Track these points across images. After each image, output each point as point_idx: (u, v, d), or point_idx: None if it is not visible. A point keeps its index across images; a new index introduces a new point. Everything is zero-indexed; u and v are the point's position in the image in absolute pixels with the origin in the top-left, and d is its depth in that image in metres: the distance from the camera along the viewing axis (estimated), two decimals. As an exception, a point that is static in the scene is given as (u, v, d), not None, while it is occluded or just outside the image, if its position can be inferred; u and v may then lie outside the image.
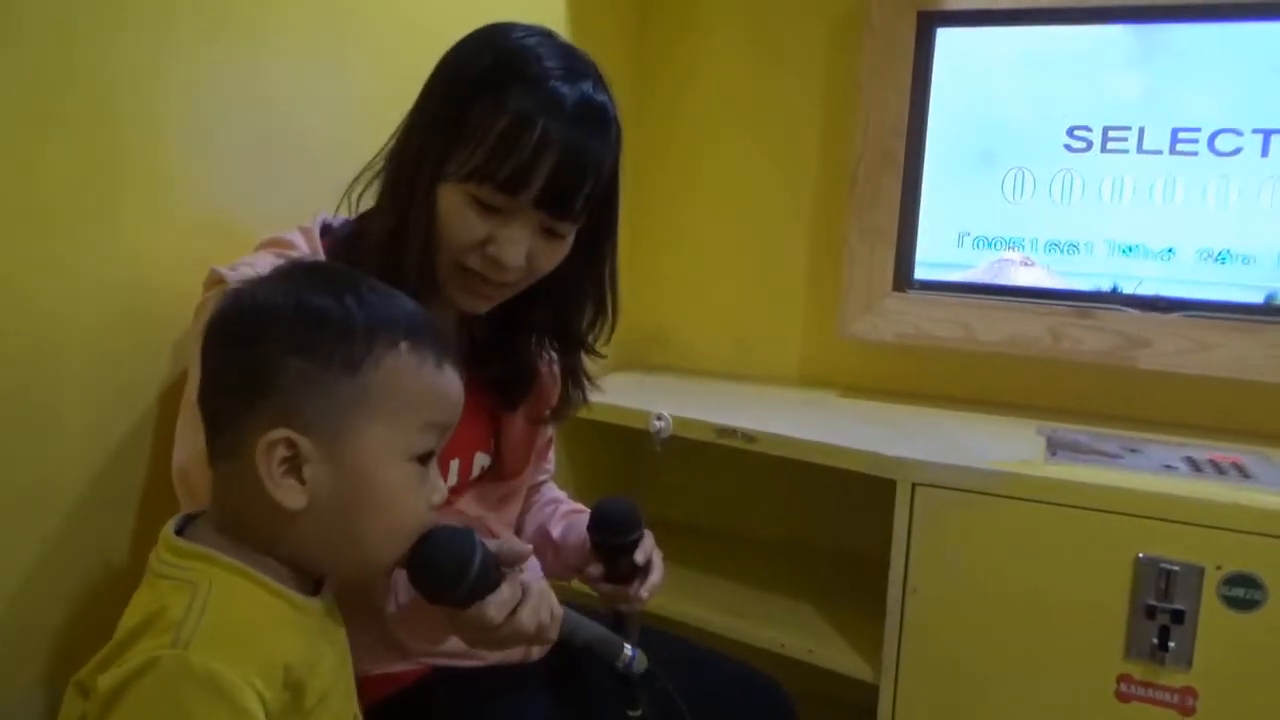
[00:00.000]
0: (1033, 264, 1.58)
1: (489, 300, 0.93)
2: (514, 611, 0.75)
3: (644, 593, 1.00)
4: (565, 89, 0.85)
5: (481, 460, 1.03)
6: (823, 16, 1.70)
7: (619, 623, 1.01)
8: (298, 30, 1.09)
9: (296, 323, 0.66)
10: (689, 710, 0.94)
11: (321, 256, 0.90)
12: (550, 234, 0.89)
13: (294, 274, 0.70)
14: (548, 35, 0.90)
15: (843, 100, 1.68)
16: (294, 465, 0.64)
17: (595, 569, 1.01)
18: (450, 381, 0.70)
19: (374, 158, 0.94)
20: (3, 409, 0.80)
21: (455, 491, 1.01)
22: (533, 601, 0.77)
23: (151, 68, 0.91)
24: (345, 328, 0.66)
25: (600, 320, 1.02)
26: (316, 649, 0.67)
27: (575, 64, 0.88)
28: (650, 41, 1.84)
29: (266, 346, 0.65)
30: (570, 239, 0.92)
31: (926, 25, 1.58)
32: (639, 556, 1.00)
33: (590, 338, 1.02)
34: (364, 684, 0.85)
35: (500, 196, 0.85)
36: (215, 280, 0.83)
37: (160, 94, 0.92)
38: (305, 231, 0.92)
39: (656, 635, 1.10)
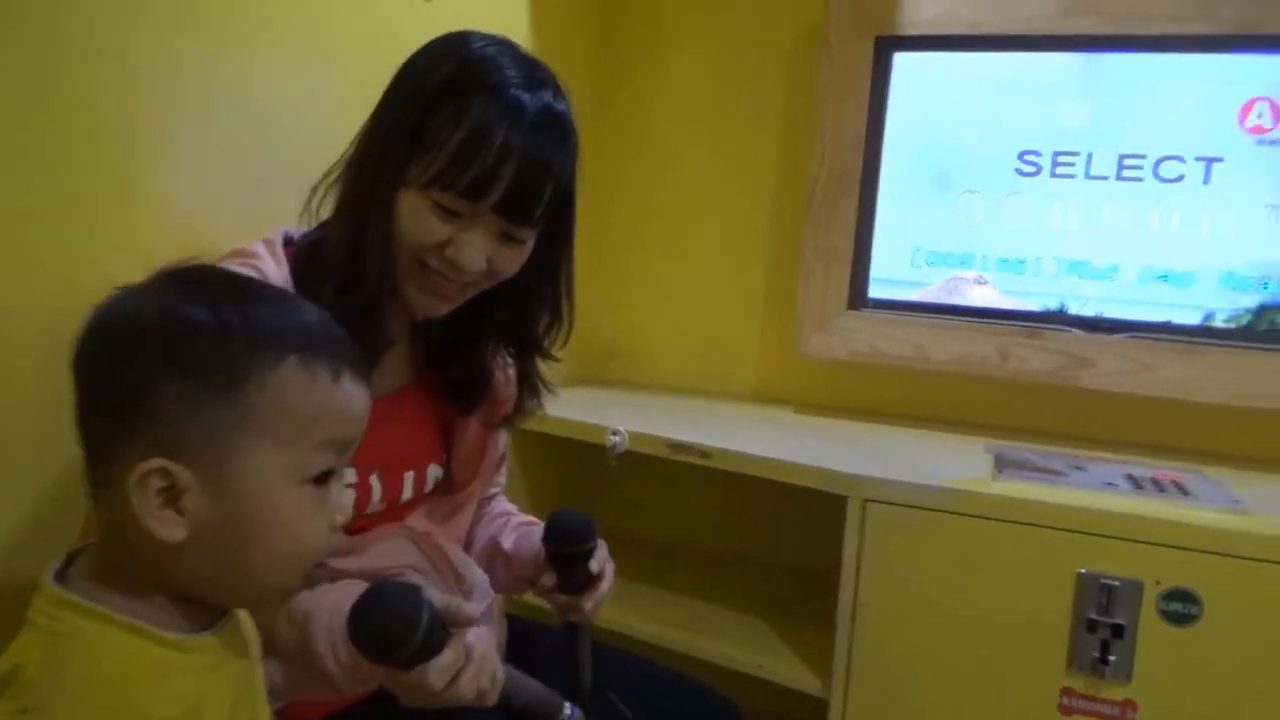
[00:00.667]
0: (986, 282, 1.61)
1: (448, 301, 0.93)
2: (456, 677, 0.74)
3: (587, 603, 1.01)
4: (526, 98, 0.86)
5: (435, 472, 1.03)
6: (783, 37, 1.73)
7: (573, 637, 1.01)
8: (282, 35, 1.10)
9: (169, 339, 0.60)
10: None
11: (284, 267, 0.90)
12: (509, 239, 0.90)
13: (169, 282, 0.63)
14: (508, 45, 0.91)
15: (801, 120, 1.70)
16: (172, 495, 0.59)
17: (549, 579, 1.02)
18: (348, 395, 0.65)
19: (332, 166, 0.94)
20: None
21: (409, 506, 1.01)
22: (474, 667, 0.75)
23: (128, 66, 0.91)
24: (223, 343, 0.60)
25: (556, 325, 1.03)
26: (207, 687, 0.62)
27: (535, 73, 0.89)
28: (613, 59, 1.86)
29: (137, 366, 0.59)
30: (530, 243, 0.93)
31: (883, 49, 1.61)
32: (593, 566, 1.01)
33: (546, 342, 1.03)
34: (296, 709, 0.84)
35: (461, 202, 0.86)
36: None
37: (136, 95, 0.92)
38: (268, 243, 0.92)
39: (609, 651, 1.11)
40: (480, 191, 0.85)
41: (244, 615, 0.69)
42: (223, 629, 0.65)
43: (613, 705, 0.98)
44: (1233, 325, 1.47)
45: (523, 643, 1.08)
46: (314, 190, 0.95)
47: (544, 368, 1.06)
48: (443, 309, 0.94)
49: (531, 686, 0.83)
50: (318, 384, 0.63)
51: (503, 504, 1.18)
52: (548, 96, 0.88)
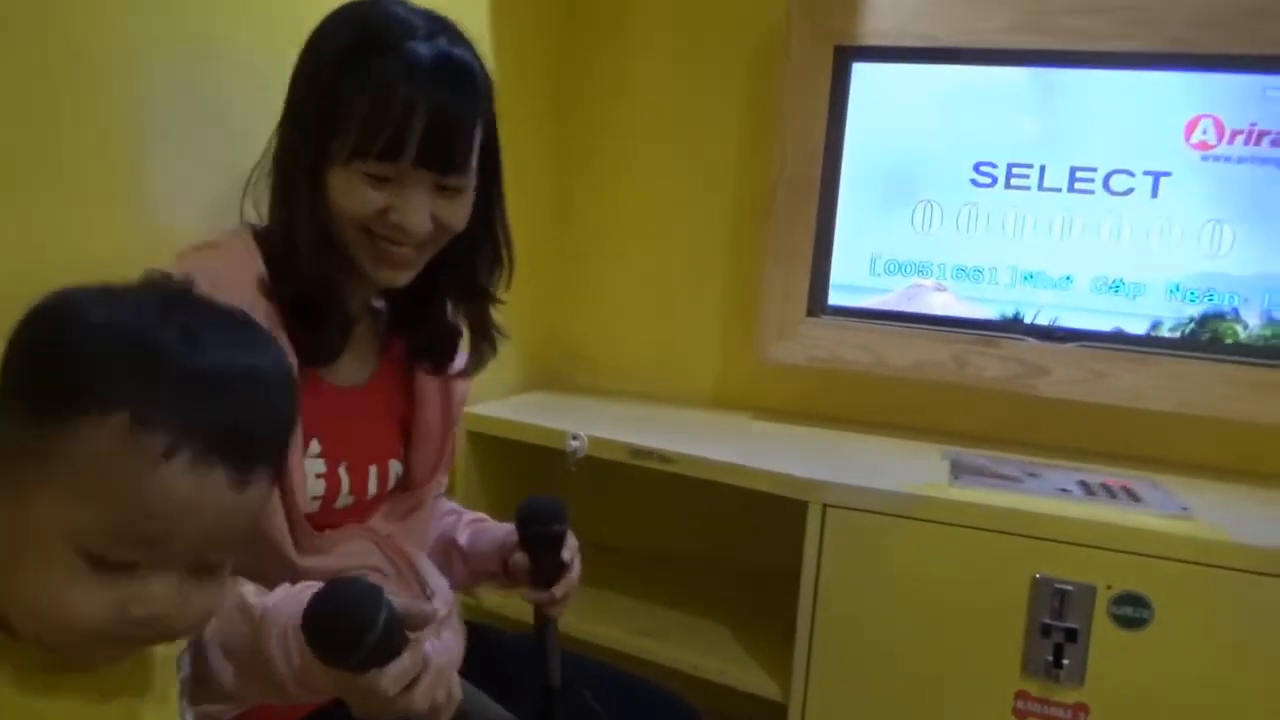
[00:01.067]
0: (945, 289, 1.63)
1: (406, 267, 0.94)
2: (410, 685, 0.69)
3: (559, 591, 1.02)
4: (423, 49, 0.87)
5: (395, 468, 1.03)
6: (745, 44, 1.74)
7: (543, 632, 1.01)
8: (251, 34, 1.08)
9: (31, 349, 0.54)
10: None
11: (256, 256, 0.90)
12: (445, 190, 0.91)
13: (103, 291, 0.57)
14: (401, 2, 0.91)
15: (762, 126, 1.71)
16: None
17: (520, 558, 1.04)
18: (171, 483, 0.53)
19: (261, 158, 0.94)
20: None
21: (372, 504, 1.00)
22: (431, 678, 0.71)
23: (87, 61, 0.90)
24: (50, 360, 0.54)
25: (498, 268, 1.03)
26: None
27: (429, 24, 0.90)
28: (574, 62, 1.85)
29: (4, 368, 0.55)
30: (469, 191, 0.94)
31: (842, 59, 1.63)
32: (565, 554, 1.03)
33: (491, 287, 1.04)
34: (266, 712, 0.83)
35: (383, 166, 0.87)
36: None
37: (97, 88, 0.91)
38: (238, 233, 0.92)
39: (571, 657, 1.11)
40: (396, 150, 0.86)
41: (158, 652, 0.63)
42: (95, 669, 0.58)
43: (583, 701, 0.98)
44: (1178, 334, 1.51)
45: (482, 647, 1.07)
46: (246, 185, 0.96)
47: (494, 312, 1.07)
48: (404, 277, 0.94)
49: (491, 708, 0.81)
50: (137, 461, 0.52)
51: (448, 503, 1.18)
52: (443, 43, 0.89)
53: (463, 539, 1.12)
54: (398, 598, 0.70)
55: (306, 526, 0.90)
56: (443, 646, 0.82)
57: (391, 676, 0.67)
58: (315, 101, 0.88)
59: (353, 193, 0.88)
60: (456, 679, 0.77)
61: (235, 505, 0.56)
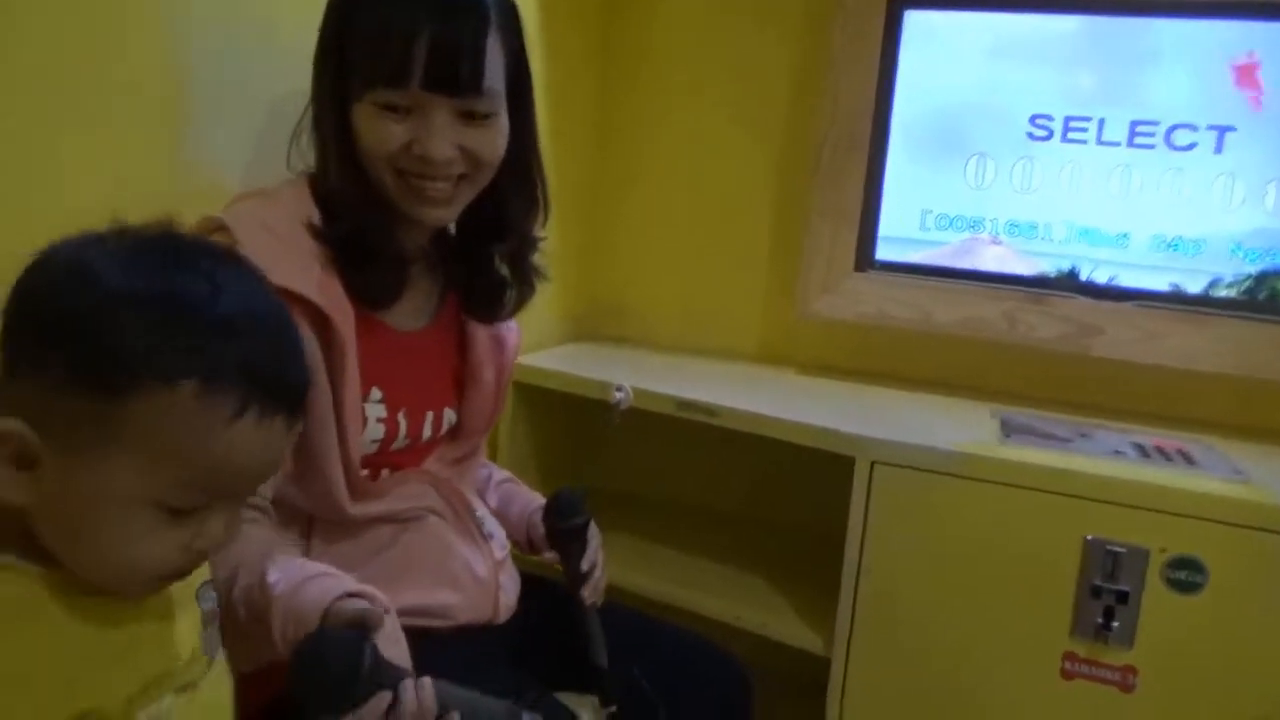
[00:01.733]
0: (1001, 242, 1.60)
1: (446, 204, 0.94)
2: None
3: (587, 596, 1.03)
4: None
5: (449, 417, 1.04)
6: (796, -9, 1.70)
7: (582, 621, 1.03)
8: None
9: (77, 315, 0.55)
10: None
11: (307, 202, 0.90)
12: (470, 118, 0.90)
13: (130, 244, 0.58)
14: None
15: (812, 76, 1.67)
16: (24, 460, 0.55)
17: (551, 555, 1.06)
18: (241, 441, 0.57)
19: (308, 104, 0.95)
20: None
21: (427, 447, 1.01)
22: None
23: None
24: (117, 338, 0.54)
25: (533, 209, 1.03)
26: (130, 637, 0.60)
27: None
28: (618, 10, 1.82)
29: (27, 327, 0.56)
30: (502, 122, 0.94)
31: (895, 6, 1.59)
32: (583, 564, 1.04)
33: (526, 226, 1.03)
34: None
35: (394, 93, 0.87)
36: (217, 226, 0.84)
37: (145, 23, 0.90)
38: (292, 181, 0.93)
39: (615, 609, 1.12)
40: (402, 73, 0.86)
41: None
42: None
43: (634, 679, 0.99)
44: (1233, 293, 1.47)
45: (537, 595, 1.09)
46: (294, 132, 0.96)
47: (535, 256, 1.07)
48: (445, 214, 0.95)
49: (487, 707, 0.77)
50: (207, 421, 0.56)
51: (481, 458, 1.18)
52: None
53: (492, 502, 1.12)
54: (376, 649, 0.70)
55: (362, 476, 0.91)
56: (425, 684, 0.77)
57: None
58: (333, 38, 0.89)
59: (375, 128, 0.88)
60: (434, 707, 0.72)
61: (288, 444, 0.62)
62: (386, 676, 0.70)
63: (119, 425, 0.54)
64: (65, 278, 0.56)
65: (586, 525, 1.05)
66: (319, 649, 0.69)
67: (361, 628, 0.71)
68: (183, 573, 0.61)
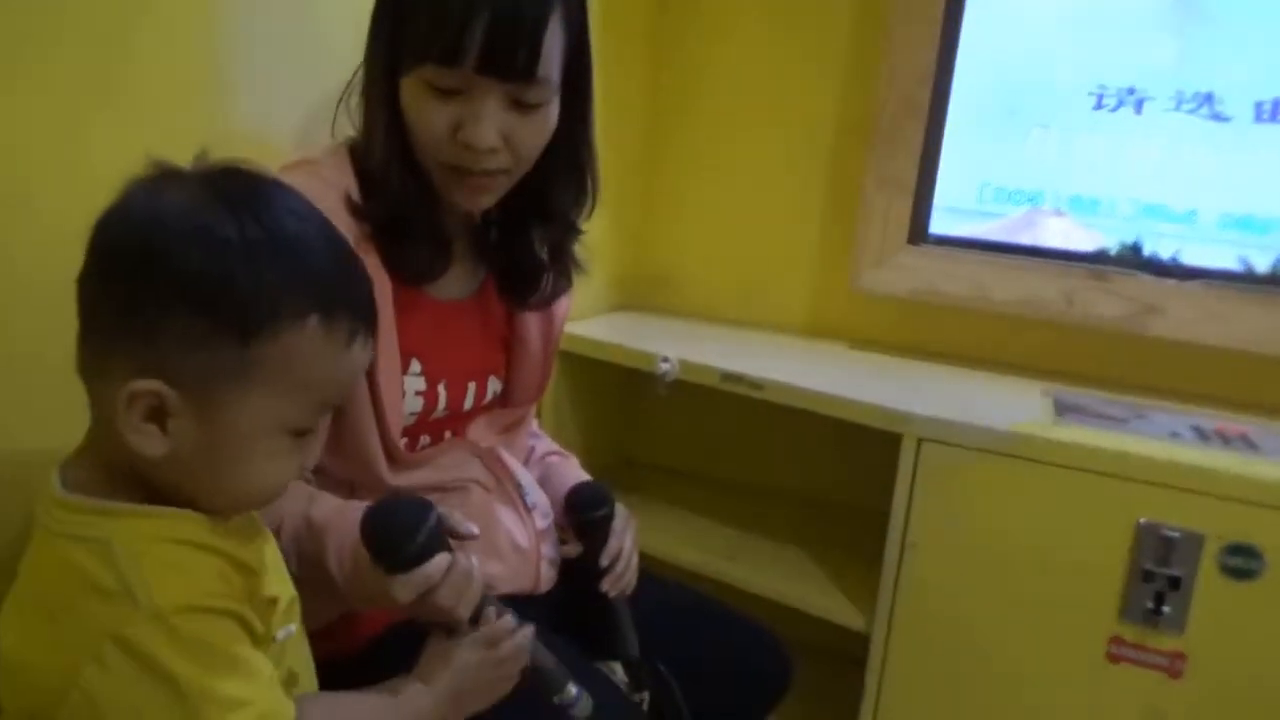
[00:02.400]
0: (1064, 215, 1.56)
1: (486, 192, 0.91)
2: (429, 591, 0.74)
3: (610, 590, 1.01)
4: None
5: (494, 385, 1.03)
6: (856, -43, 1.66)
7: (610, 612, 1.02)
8: None
9: (191, 268, 0.57)
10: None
11: (349, 174, 0.89)
12: (520, 106, 0.87)
13: (213, 190, 0.60)
14: None
15: (870, 45, 1.63)
16: (159, 414, 0.58)
17: (574, 548, 1.04)
18: (356, 362, 0.65)
19: (357, 69, 0.93)
20: None
21: (469, 415, 1.01)
22: (451, 583, 0.75)
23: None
24: (248, 290, 0.58)
25: (581, 198, 1.00)
26: (258, 557, 0.66)
27: None
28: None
29: (150, 288, 0.57)
30: (551, 112, 0.90)
31: (959, -31, 1.54)
32: (603, 559, 1.01)
33: (573, 217, 1.01)
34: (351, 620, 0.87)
35: (445, 73, 0.83)
36: None
37: None
38: (334, 150, 0.91)
39: (655, 582, 1.11)
40: (456, 51, 0.82)
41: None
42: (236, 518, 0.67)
43: (661, 674, 0.99)
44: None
45: (577, 564, 1.08)
46: (341, 97, 0.94)
47: (577, 246, 1.05)
48: (483, 201, 0.92)
49: (545, 653, 0.81)
50: (331, 348, 0.62)
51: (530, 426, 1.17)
52: None
53: (535, 474, 1.11)
54: (445, 511, 0.77)
55: (401, 446, 0.91)
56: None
57: (403, 584, 0.73)
58: (389, 8, 0.86)
59: (421, 107, 0.85)
60: (479, 588, 0.77)
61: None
62: (447, 544, 0.75)
63: (257, 366, 0.59)
64: (179, 235, 0.58)
65: (608, 519, 1.03)
66: (389, 503, 0.75)
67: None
68: (283, 491, 0.67)
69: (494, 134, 0.86)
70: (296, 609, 0.71)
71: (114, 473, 0.62)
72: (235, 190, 0.61)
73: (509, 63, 0.83)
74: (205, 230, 0.58)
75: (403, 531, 0.72)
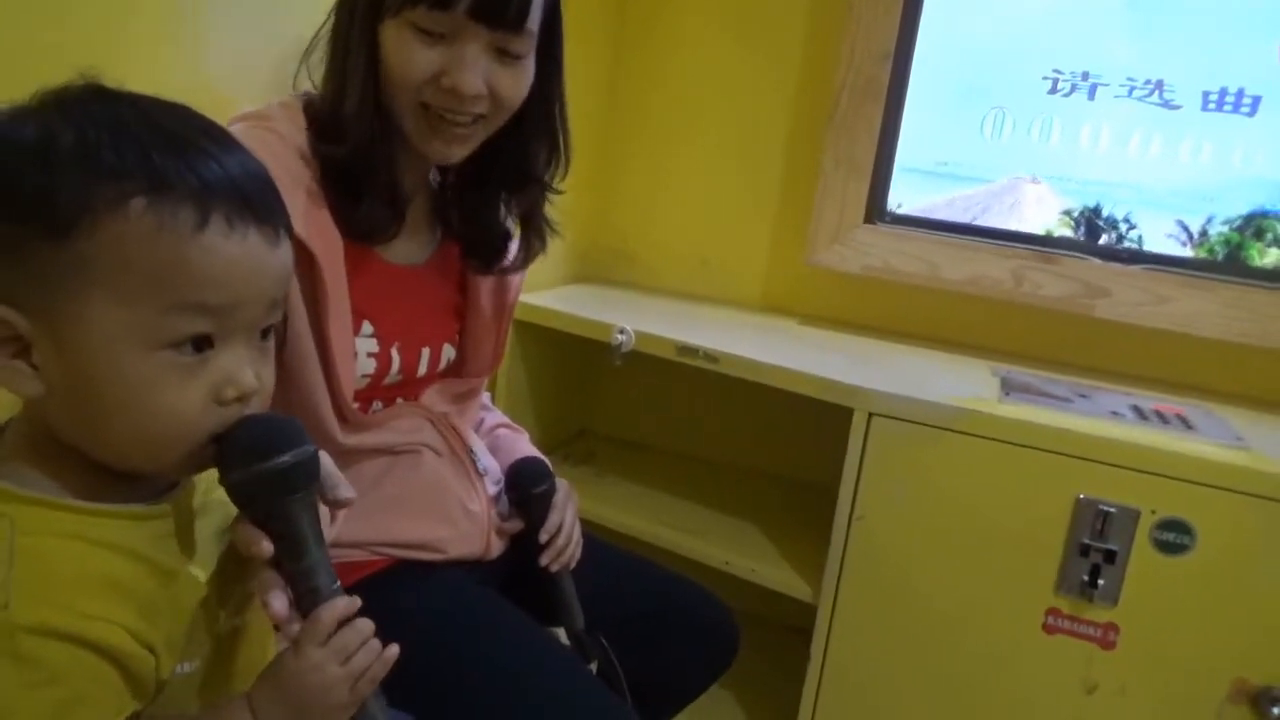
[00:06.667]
0: (1040, 183, 1.58)
1: (461, 142, 0.91)
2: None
3: (553, 565, 1.02)
4: None
5: (449, 353, 1.03)
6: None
7: (556, 588, 1.03)
8: None
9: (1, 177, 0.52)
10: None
11: (302, 128, 0.87)
12: (504, 55, 0.87)
13: (49, 102, 0.54)
14: None
15: (830, 23, 1.64)
16: (21, 346, 0.53)
17: (514, 524, 1.03)
18: (213, 249, 0.53)
19: (323, 23, 0.91)
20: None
21: (424, 382, 1.01)
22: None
23: None
24: (46, 176, 0.51)
25: (555, 158, 1.00)
26: (172, 558, 0.59)
27: None
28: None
29: None
30: (530, 63, 0.90)
31: (920, -50, 1.55)
32: (542, 534, 1.02)
33: (546, 177, 1.01)
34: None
35: (437, 15, 0.83)
36: None
37: None
38: (285, 105, 0.89)
39: (604, 549, 1.12)
40: None
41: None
42: (174, 497, 0.60)
43: (602, 647, 1.00)
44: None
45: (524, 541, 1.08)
46: (305, 52, 0.93)
47: (548, 207, 1.04)
48: (457, 152, 0.92)
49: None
50: (169, 234, 0.52)
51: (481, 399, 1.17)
52: None
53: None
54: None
55: (352, 407, 0.91)
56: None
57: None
58: None
59: (405, 51, 0.84)
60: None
61: (278, 262, 0.57)
62: (313, 491, 0.61)
63: (85, 266, 0.52)
64: None
65: (548, 495, 1.04)
66: (280, 416, 0.61)
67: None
68: (209, 432, 0.57)
69: (480, 81, 0.86)
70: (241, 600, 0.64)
71: (35, 440, 0.56)
72: (71, 99, 0.55)
73: (502, 10, 0.84)
74: (7, 137, 0.52)
75: (282, 438, 0.58)
